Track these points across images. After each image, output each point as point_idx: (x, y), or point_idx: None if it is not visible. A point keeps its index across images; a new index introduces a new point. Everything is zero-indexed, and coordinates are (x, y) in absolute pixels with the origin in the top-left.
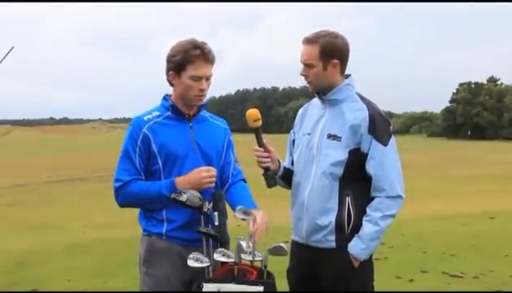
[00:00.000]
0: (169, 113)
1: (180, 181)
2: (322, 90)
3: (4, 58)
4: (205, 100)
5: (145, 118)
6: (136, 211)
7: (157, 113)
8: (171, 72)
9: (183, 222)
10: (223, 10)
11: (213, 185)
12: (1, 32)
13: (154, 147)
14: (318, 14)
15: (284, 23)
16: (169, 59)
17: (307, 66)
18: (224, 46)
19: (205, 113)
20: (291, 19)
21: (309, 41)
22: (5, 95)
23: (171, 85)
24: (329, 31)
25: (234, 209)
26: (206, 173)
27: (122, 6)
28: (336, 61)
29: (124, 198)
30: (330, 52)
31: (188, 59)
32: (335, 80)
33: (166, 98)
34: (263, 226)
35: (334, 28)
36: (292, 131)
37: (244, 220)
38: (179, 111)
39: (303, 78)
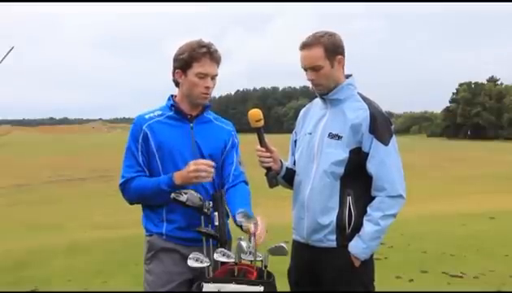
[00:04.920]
0: (171, 113)
1: (176, 175)
2: (328, 91)
3: (4, 58)
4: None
5: (147, 116)
6: (136, 211)
7: (159, 112)
8: (177, 71)
9: (182, 223)
10: (228, 11)
11: (205, 179)
12: (1, 33)
13: (153, 145)
14: (319, 14)
15: (286, 23)
16: (176, 58)
17: (314, 69)
18: (230, 46)
19: (209, 114)
20: (293, 21)
21: (309, 44)
22: (5, 95)
23: (177, 84)
24: (324, 31)
25: (232, 213)
26: (192, 167)
27: (123, 5)
28: (341, 57)
29: (129, 194)
30: (334, 49)
31: (194, 57)
32: (340, 78)
33: (170, 97)
34: (264, 230)
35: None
36: (294, 131)
37: (242, 225)
38: (181, 111)
39: (304, 78)
